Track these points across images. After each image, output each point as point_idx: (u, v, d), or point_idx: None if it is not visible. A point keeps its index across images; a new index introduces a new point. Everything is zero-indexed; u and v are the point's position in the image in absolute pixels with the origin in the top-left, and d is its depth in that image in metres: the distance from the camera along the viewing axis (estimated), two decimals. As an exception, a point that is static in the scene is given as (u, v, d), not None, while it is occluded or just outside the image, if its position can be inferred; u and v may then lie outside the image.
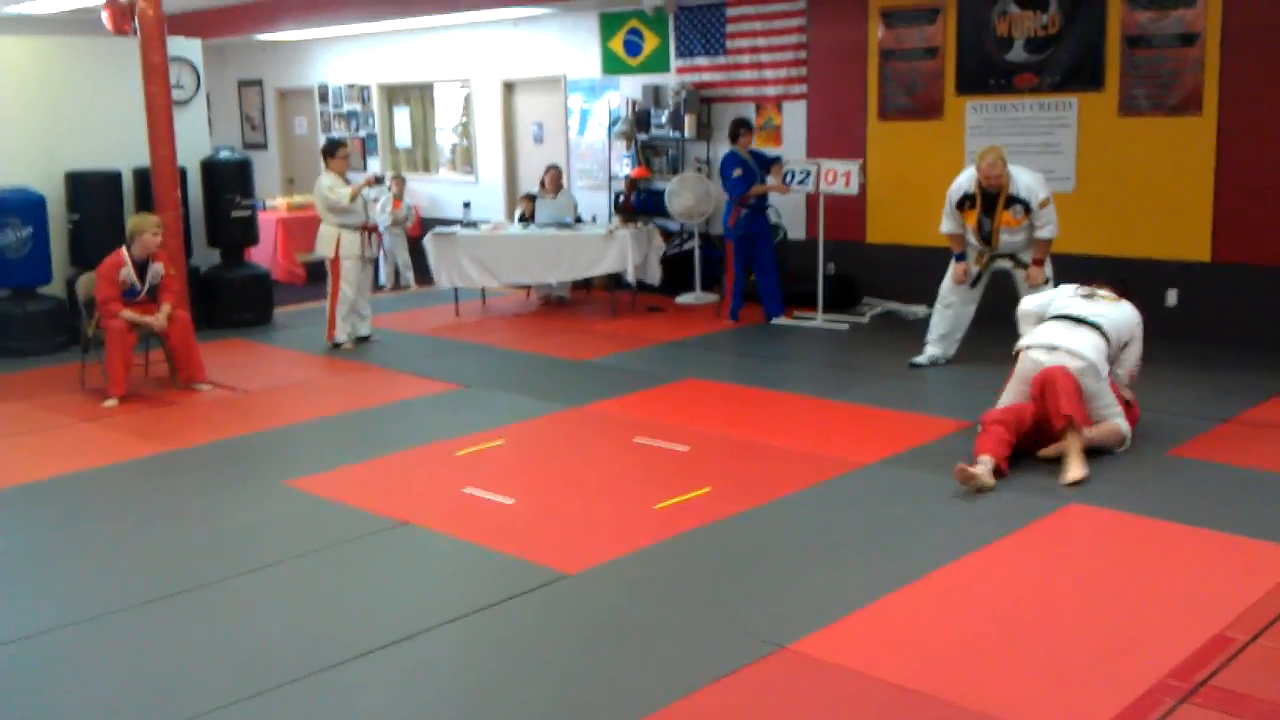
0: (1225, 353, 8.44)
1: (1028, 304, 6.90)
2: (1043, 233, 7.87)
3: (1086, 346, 6.18)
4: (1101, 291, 6.62)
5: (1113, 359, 6.34)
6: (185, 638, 4.30)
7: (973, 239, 8.12)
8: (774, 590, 4.60)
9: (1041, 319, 6.59)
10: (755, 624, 4.26)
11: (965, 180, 8.07)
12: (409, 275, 12.99)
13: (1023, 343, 6.45)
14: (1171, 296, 9.03)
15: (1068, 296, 6.64)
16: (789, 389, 7.91)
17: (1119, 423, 6.21)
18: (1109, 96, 9.20)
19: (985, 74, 9.87)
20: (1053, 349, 6.20)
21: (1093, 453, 6.03)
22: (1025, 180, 7.87)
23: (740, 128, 10.23)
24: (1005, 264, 8.15)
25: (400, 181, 13.28)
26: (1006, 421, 6.02)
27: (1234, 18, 8.54)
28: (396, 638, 4.21)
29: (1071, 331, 6.29)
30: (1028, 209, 7.82)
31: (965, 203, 8.04)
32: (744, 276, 10.40)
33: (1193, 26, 8.74)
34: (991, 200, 7.90)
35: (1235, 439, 6.52)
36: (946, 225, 8.21)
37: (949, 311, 8.35)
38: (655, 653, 4.09)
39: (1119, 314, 6.46)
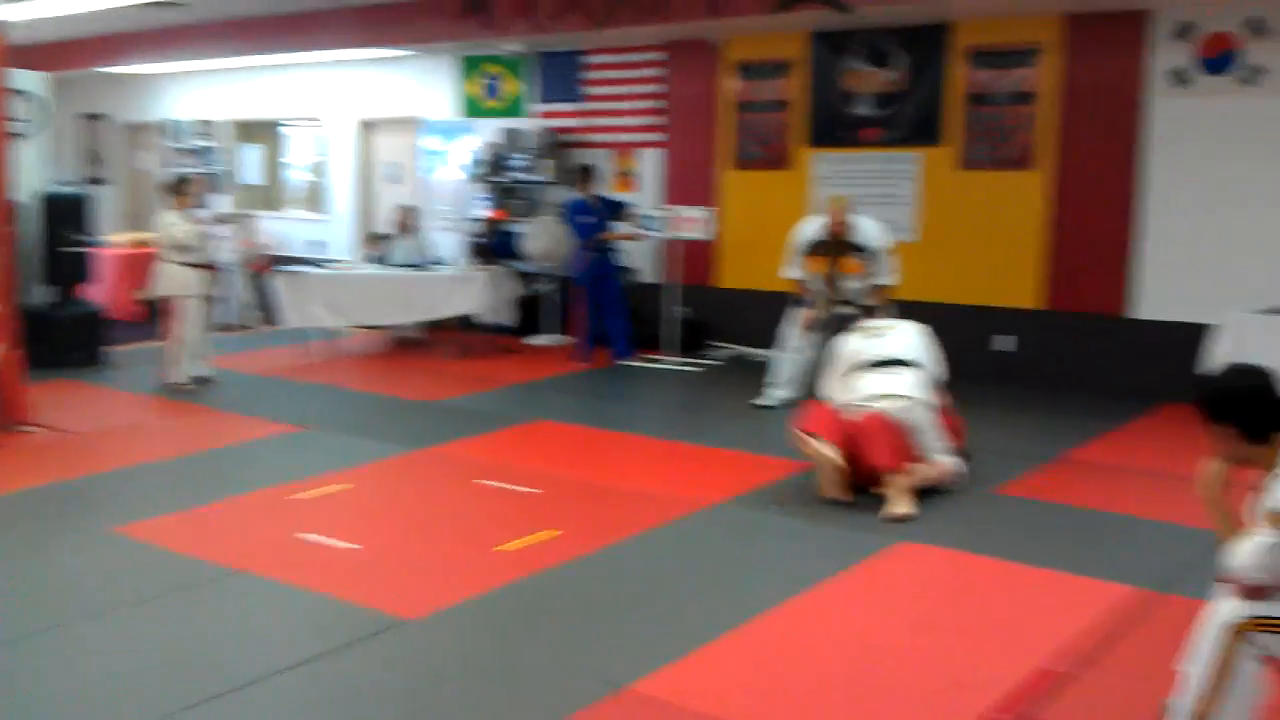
0: (1056, 395, 8.79)
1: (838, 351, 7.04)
2: (883, 280, 8.15)
3: (910, 387, 6.40)
4: (879, 324, 6.91)
5: (935, 381, 6.58)
6: (3, 691, 4.08)
7: (817, 285, 8.32)
8: (618, 631, 4.59)
9: (851, 367, 6.70)
10: (599, 665, 4.25)
11: (811, 228, 8.29)
12: (254, 315, 12.68)
13: (842, 399, 6.56)
14: (1007, 342, 9.38)
15: (860, 341, 6.81)
16: (639, 430, 7.95)
17: (945, 460, 6.39)
18: (949, 151, 9.57)
19: (833, 127, 10.16)
20: (878, 398, 6.37)
21: (928, 490, 6.21)
22: (868, 229, 8.14)
23: (585, 173, 10.33)
24: (848, 309, 8.37)
25: (247, 220, 12.98)
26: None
27: (1068, 78, 8.99)
28: (227, 688, 4.05)
29: (889, 378, 6.48)
30: (870, 257, 8.07)
31: (811, 249, 8.25)
32: (594, 319, 10.45)
33: (1030, 85, 9.16)
34: (836, 248, 8.13)
35: (1060, 478, 6.78)
36: (792, 271, 8.42)
37: (794, 355, 8.53)
38: (497, 697, 4.04)
39: (911, 338, 6.75)
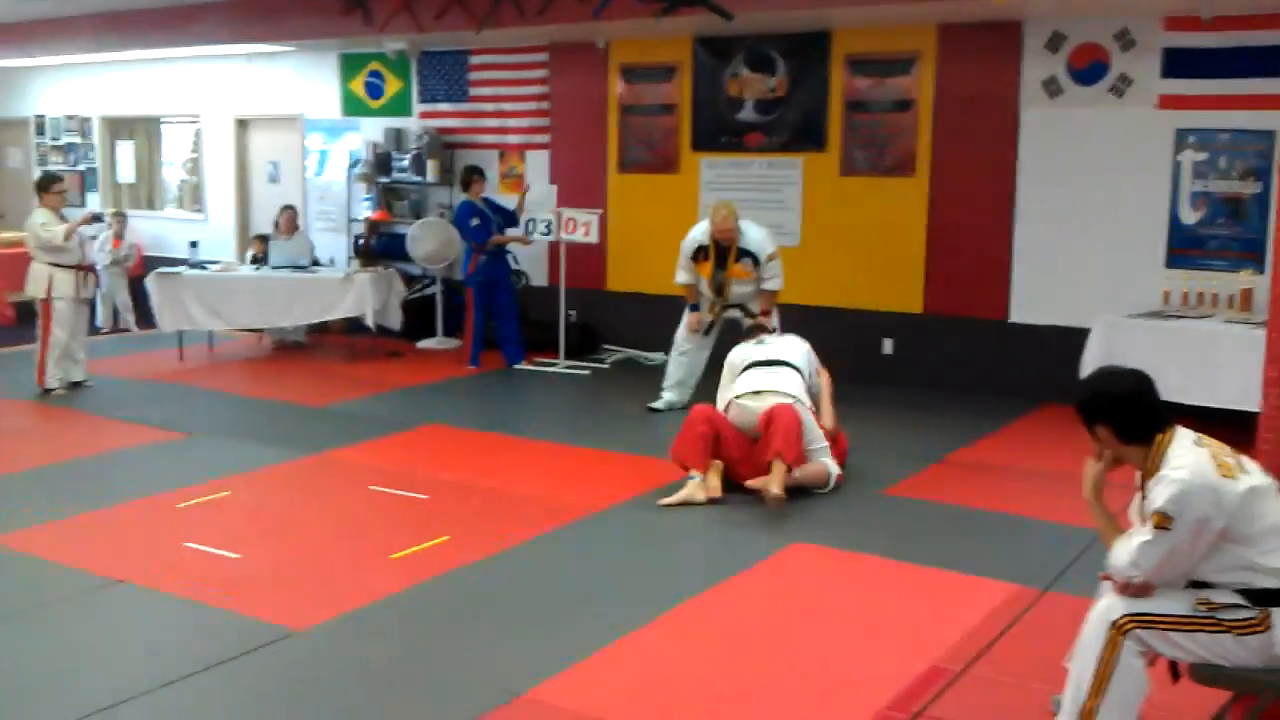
0: (936, 398, 9.00)
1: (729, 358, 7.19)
2: (769, 285, 8.26)
3: (790, 385, 6.59)
4: (765, 337, 7.15)
5: (811, 390, 6.75)
6: None
7: (706, 290, 8.41)
8: (512, 637, 4.57)
9: (735, 371, 6.90)
10: (494, 673, 4.22)
11: (699, 233, 8.36)
12: (129, 317, 12.30)
13: (727, 395, 6.74)
14: (888, 345, 9.59)
15: (747, 348, 7.04)
16: (529, 435, 7.92)
17: (826, 462, 6.54)
18: (831, 157, 9.73)
19: (718, 132, 10.26)
20: (758, 393, 6.54)
21: (801, 492, 6.32)
22: (755, 235, 8.24)
23: (472, 175, 10.27)
24: (736, 313, 8.48)
25: (121, 219, 12.58)
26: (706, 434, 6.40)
27: (945, 87, 9.21)
28: (112, 702, 3.94)
29: (771, 375, 6.67)
30: (756, 262, 8.19)
31: (699, 254, 8.33)
32: (484, 323, 10.38)
33: (908, 94, 9.37)
34: (723, 253, 8.22)
35: (944, 478, 6.96)
36: (681, 276, 8.48)
37: (684, 359, 8.60)
38: (388, 708, 3.99)
39: (793, 347, 6.96)
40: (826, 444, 6.60)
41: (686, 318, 8.56)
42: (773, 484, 6.08)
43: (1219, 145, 8.29)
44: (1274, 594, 3.13)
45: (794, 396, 6.51)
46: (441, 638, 4.57)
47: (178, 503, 6.25)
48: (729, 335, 8.57)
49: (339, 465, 7.09)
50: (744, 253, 8.21)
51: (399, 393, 9.30)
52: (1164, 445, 3.28)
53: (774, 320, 8.30)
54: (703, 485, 6.29)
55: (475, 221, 10.13)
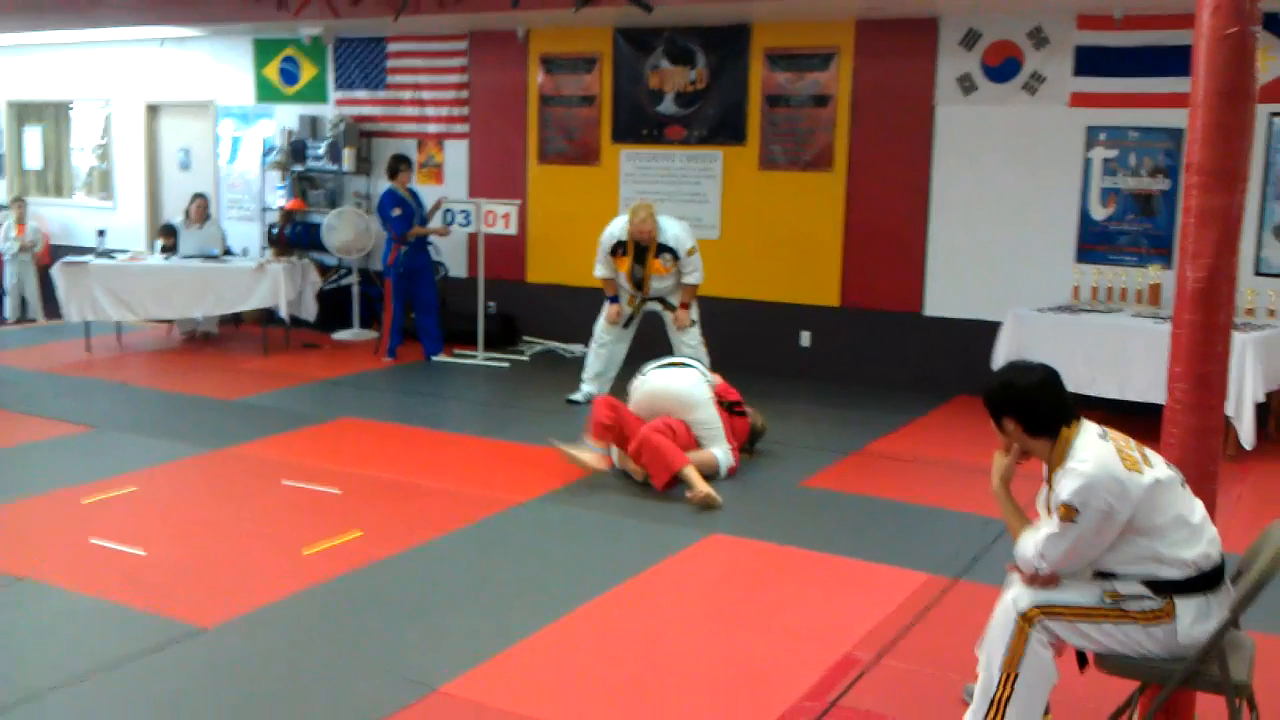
0: (852, 390, 9.09)
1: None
2: (690, 279, 8.28)
3: (684, 380, 6.86)
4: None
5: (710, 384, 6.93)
6: None
7: (625, 284, 8.40)
8: (426, 632, 4.52)
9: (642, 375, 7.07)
10: (406, 668, 4.17)
11: (618, 229, 8.34)
12: (37, 307, 11.96)
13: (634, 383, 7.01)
14: (805, 338, 9.66)
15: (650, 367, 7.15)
16: (447, 428, 7.85)
17: (715, 452, 6.64)
18: (750, 151, 9.77)
19: (639, 124, 10.24)
20: (661, 389, 6.83)
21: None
22: (673, 230, 8.25)
23: (400, 164, 10.13)
24: (655, 306, 8.49)
25: (21, 205, 12.18)
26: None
27: (862, 82, 9.29)
28: (14, 700, 3.82)
29: (668, 373, 6.96)
30: (676, 257, 8.20)
31: (618, 249, 8.32)
32: (403, 314, 10.26)
33: (826, 89, 9.43)
34: (643, 250, 8.22)
35: (860, 470, 7.03)
36: (600, 270, 8.47)
37: (603, 351, 8.59)
38: (300, 704, 3.92)
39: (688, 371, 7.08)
40: (722, 433, 6.70)
41: (606, 310, 8.54)
42: (699, 484, 6.18)
43: (1129, 143, 8.47)
44: (1178, 584, 3.20)
45: (688, 391, 6.76)
46: (354, 633, 4.50)
47: (83, 498, 6.09)
48: (648, 326, 8.61)
49: (250, 460, 6.96)
50: (663, 248, 8.22)
51: (313, 385, 9.16)
52: (1070, 438, 3.32)
53: (693, 313, 8.34)
54: (603, 458, 6.59)
55: (397, 211, 10.00)
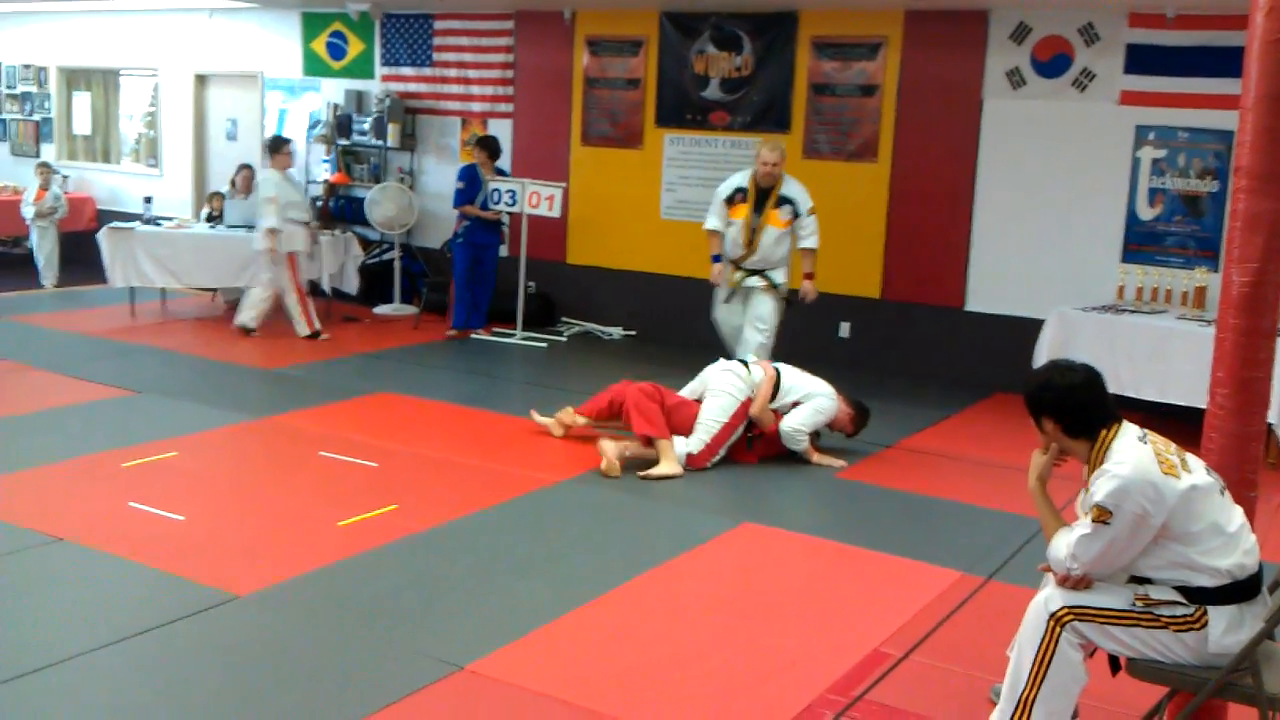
0: (891, 383, 9.04)
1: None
2: (807, 242, 8.11)
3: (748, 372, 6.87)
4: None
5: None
6: None
7: (736, 236, 8.12)
8: (455, 610, 4.55)
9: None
10: (434, 645, 4.21)
11: (738, 176, 8.20)
12: (49, 274, 11.94)
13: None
14: (845, 329, 9.62)
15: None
16: (484, 405, 7.88)
17: (675, 440, 6.58)
18: (794, 139, 9.72)
19: (683, 109, 10.22)
20: (731, 366, 6.89)
21: (755, 472, 6.34)
22: (796, 186, 8.10)
23: (491, 145, 10.23)
24: (756, 282, 8.20)
25: (46, 170, 12.20)
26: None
27: (909, 73, 9.22)
28: (46, 662, 3.89)
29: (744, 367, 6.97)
30: (796, 214, 8.04)
31: (736, 196, 8.13)
32: (466, 287, 10.25)
33: (873, 79, 9.37)
34: (763, 196, 8.04)
35: (896, 464, 7.00)
36: (711, 221, 8.25)
37: (723, 328, 8.49)
38: (328, 676, 3.96)
39: (807, 378, 7.01)
40: (708, 426, 6.64)
41: (712, 271, 8.32)
42: (656, 467, 6.40)
43: (1178, 143, 8.37)
44: (1211, 592, 3.17)
45: (740, 377, 6.77)
46: (384, 607, 4.55)
47: (123, 461, 6.17)
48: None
49: (289, 430, 7.03)
50: (784, 200, 8.03)
51: (353, 359, 9.23)
52: (1108, 441, 3.30)
53: (812, 289, 8.19)
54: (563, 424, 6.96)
55: (460, 185, 10.11)
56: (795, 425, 6.71)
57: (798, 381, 6.88)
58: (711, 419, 6.64)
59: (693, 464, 6.55)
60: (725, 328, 8.49)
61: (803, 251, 8.17)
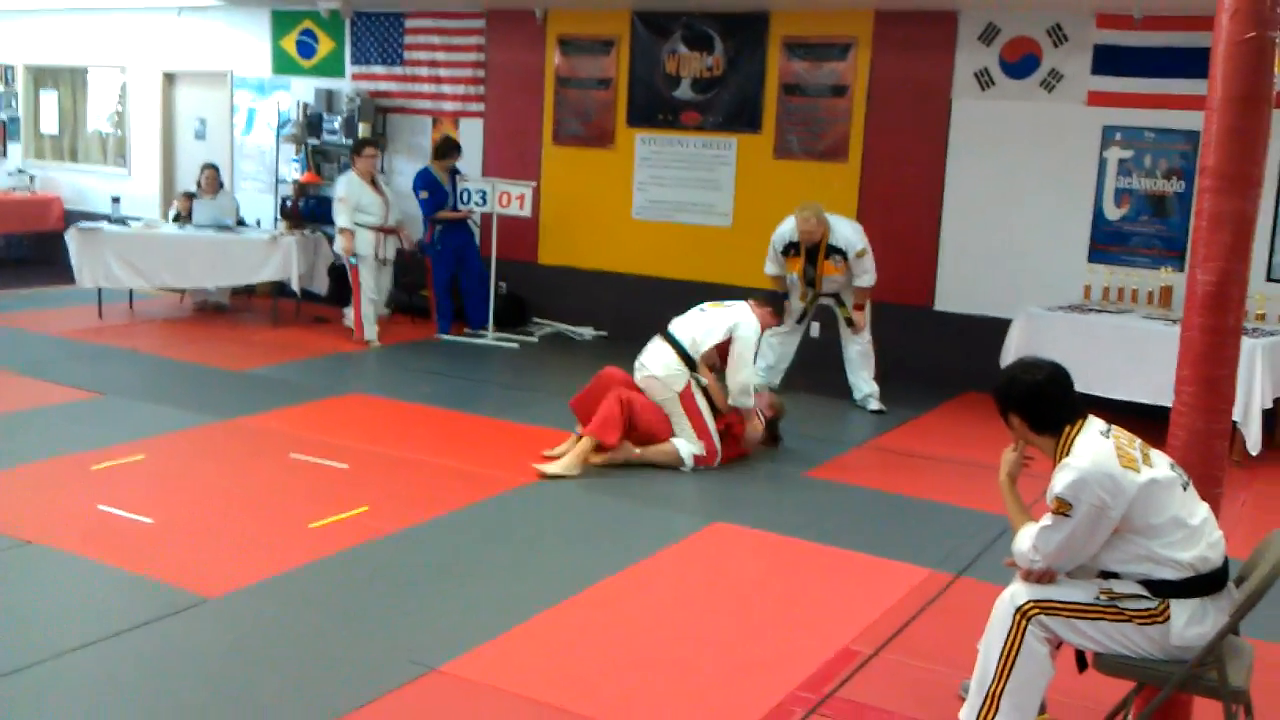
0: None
1: None
2: (861, 281, 8.23)
3: (656, 364, 6.67)
4: (706, 306, 6.99)
5: (711, 364, 6.74)
6: None
7: (797, 282, 8.39)
8: (427, 610, 4.55)
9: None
10: (406, 646, 4.20)
11: (788, 231, 8.28)
12: None
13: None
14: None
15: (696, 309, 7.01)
16: (456, 407, 7.86)
17: (676, 445, 6.61)
18: (765, 139, 9.76)
19: (654, 109, 10.23)
20: (641, 366, 6.73)
21: (726, 473, 6.35)
22: (844, 231, 8.19)
23: (446, 147, 10.25)
24: (829, 300, 8.46)
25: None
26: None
27: (879, 74, 9.27)
28: (14, 667, 3.85)
29: (651, 350, 6.77)
30: (846, 258, 8.16)
31: (790, 249, 8.29)
32: (448, 292, 10.28)
33: (843, 79, 9.42)
34: (814, 251, 8.19)
35: (866, 463, 7.05)
36: (770, 269, 8.49)
37: (774, 339, 8.52)
38: (299, 678, 3.95)
39: (715, 319, 6.76)
40: (692, 431, 6.63)
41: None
42: (555, 465, 6.36)
43: (1144, 143, 8.45)
44: (1173, 585, 3.21)
45: (655, 375, 6.63)
46: (356, 609, 4.54)
47: (92, 464, 6.13)
48: (825, 321, 8.70)
49: (259, 432, 6.99)
50: (833, 249, 8.16)
51: (322, 359, 9.19)
52: (1072, 436, 3.34)
53: (865, 317, 8.34)
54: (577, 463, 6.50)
55: (424, 194, 10.12)
56: (740, 383, 6.63)
57: (712, 324, 6.72)
58: (678, 414, 6.62)
59: (707, 462, 6.62)
60: (779, 341, 8.56)
61: (855, 289, 8.31)
